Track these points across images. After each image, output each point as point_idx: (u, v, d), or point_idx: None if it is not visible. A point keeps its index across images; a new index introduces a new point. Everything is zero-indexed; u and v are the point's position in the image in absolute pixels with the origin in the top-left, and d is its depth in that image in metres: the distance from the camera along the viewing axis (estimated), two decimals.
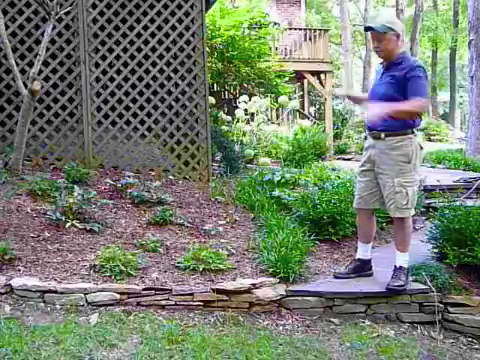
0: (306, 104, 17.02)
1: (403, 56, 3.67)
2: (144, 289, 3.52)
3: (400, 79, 3.56)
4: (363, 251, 3.97)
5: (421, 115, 3.76)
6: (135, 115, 6.56)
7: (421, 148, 3.68)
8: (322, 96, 15.47)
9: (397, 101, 3.54)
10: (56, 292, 3.44)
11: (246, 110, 10.71)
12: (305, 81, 16.23)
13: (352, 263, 4.00)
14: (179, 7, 6.68)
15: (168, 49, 6.65)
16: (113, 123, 6.48)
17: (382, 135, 3.60)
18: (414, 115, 3.62)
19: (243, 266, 4.04)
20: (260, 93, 12.96)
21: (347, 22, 22.24)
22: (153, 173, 6.47)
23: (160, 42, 6.64)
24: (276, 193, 5.57)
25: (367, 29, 3.62)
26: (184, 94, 6.73)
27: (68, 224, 4.48)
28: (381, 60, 3.78)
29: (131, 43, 6.54)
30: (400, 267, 3.73)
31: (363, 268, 3.95)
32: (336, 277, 3.91)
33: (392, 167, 3.59)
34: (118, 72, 6.50)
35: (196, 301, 3.52)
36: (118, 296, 3.47)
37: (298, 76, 14.58)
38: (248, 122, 10.70)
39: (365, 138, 3.85)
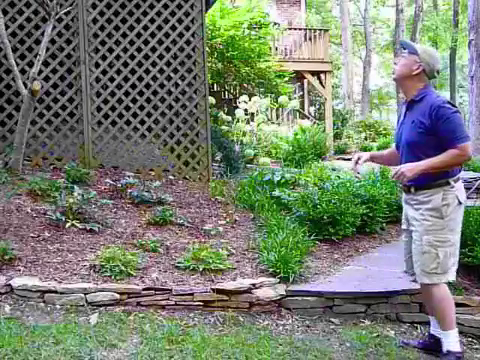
0: (306, 104, 17.02)
1: (425, 92, 3.08)
2: (144, 289, 3.52)
3: (424, 123, 3.00)
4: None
5: (462, 163, 3.11)
6: (135, 115, 6.56)
7: (459, 203, 3.05)
8: (322, 96, 15.48)
9: (424, 148, 3.02)
10: (56, 292, 3.44)
11: (246, 110, 10.72)
12: (305, 81, 16.23)
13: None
14: (179, 7, 6.68)
15: (168, 49, 6.65)
16: (113, 123, 6.48)
17: (412, 189, 3.12)
18: (456, 165, 3.04)
19: (243, 266, 4.04)
20: (260, 93, 12.97)
21: (347, 22, 22.28)
22: (153, 173, 6.47)
23: (160, 42, 6.64)
24: (276, 193, 5.57)
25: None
26: (184, 94, 6.73)
27: (68, 224, 4.48)
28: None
29: (131, 43, 6.54)
30: (448, 352, 3.06)
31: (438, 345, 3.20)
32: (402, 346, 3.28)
33: (421, 223, 3.05)
34: (118, 72, 6.50)
35: (196, 301, 3.52)
36: (118, 296, 3.47)
37: (298, 76, 14.59)
38: (248, 122, 10.70)
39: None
